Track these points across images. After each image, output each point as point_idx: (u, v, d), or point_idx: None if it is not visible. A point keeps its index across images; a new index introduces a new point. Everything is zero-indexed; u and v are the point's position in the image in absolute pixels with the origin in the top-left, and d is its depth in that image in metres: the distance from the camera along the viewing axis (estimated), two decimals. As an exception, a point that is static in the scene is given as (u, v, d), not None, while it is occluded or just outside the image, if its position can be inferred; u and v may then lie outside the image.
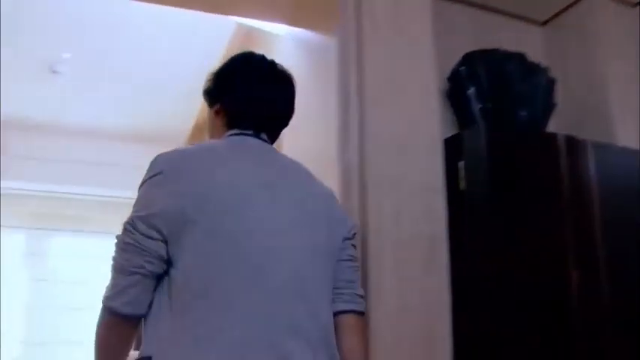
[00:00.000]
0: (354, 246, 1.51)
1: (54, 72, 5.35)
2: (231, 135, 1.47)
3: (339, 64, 1.94)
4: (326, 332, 1.35)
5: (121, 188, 6.89)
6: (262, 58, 1.53)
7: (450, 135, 2.00)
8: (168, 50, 5.12)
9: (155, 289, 1.28)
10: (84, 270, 7.51)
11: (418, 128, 1.85)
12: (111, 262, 1.30)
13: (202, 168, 1.33)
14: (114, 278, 1.28)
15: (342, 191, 1.76)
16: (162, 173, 1.33)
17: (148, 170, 1.37)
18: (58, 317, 7.23)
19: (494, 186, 1.88)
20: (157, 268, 1.27)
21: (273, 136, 1.53)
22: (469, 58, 2.23)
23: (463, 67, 2.22)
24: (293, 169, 1.49)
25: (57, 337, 7.16)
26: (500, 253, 1.82)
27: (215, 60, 5.12)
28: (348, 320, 1.43)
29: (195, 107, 6.08)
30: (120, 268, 1.27)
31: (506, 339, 1.74)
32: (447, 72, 2.29)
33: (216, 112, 1.53)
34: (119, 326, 1.29)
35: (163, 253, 1.26)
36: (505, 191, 1.90)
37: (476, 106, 2.16)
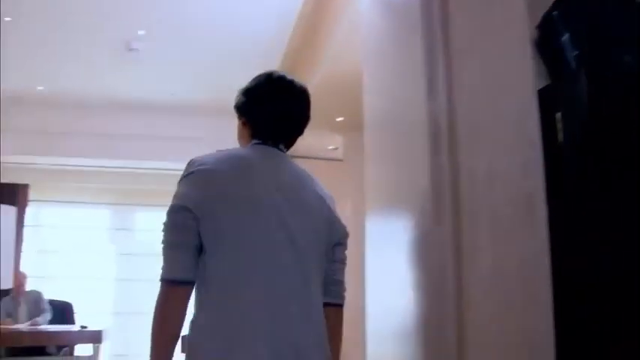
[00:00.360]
0: (344, 249, 1.80)
1: (130, 49, 5.41)
2: (254, 144, 1.76)
3: (422, 15, 1.82)
4: (319, 329, 1.62)
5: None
6: (282, 77, 1.82)
7: (541, 87, 1.84)
8: (242, 20, 5.08)
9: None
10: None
11: (510, 79, 1.71)
12: (161, 246, 1.60)
13: (227, 171, 1.63)
14: (165, 255, 1.58)
15: (431, 149, 1.64)
16: (193, 174, 1.63)
17: (185, 169, 1.66)
18: (145, 289, 7.45)
19: (596, 138, 1.72)
20: (197, 240, 1.57)
21: (289, 143, 1.84)
22: (563, 1, 2.04)
23: (556, 12, 2.03)
24: (301, 175, 1.79)
25: (144, 307, 7.39)
26: (603, 212, 1.67)
27: (289, 27, 5.07)
28: (336, 312, 1.74)
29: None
30: (169, 245, 1.59)
31: (610, 301, 1.60)
32: (536, 20, 2.11)
33: (244, 124, 1.83)
34: (176, 294, 1.56)
35: (199, 229, 1.56)
36: (607, 143, 1.74)
37: (571, 54, 1.97)
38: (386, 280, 1.92)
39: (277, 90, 1.80)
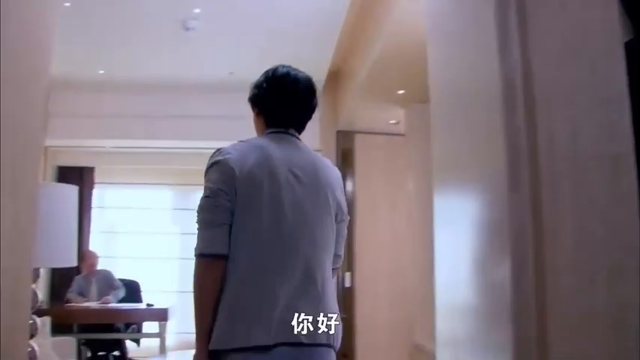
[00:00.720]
0: (346, 224, 2.10)
1: (187, 29, 5.38)
2: (268, 132, 2.05)
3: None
4: (325, 289, 1.89)
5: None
6: (288, 69, 2.08)
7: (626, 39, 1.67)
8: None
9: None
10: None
11: (593, 32, 1.55)
12: (196, 226, 1.84)
13: (250, 158, 1.88)
14: (201, 232, 1.83)
15: (505, 110, 1.51)
16: (222, 162, 1.89)
17: (212, 157, 1.92)
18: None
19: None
20: (228, 219, 1.82)
21: (300, 128, 2.10)
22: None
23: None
24: (313, 158, 2.03)
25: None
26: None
27: (347, 2, 4.94)
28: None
29: (327, 53, 5.94)
30: (204, 224, 1.83)
31: None
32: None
33: (257, 114, 2.12)
34: (211, 266, 1.80)
35: (232, 208, 1.83)
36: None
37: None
38: (458, 254, 1.81)
39: (284, 80, 2.06)
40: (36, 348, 2.46)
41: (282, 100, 2.05)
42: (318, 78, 6.59)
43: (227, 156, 1.89)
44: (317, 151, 7.04)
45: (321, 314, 1.83)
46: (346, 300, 6.61)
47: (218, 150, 1.93)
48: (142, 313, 6.46)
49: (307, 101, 2.09)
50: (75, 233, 2.57)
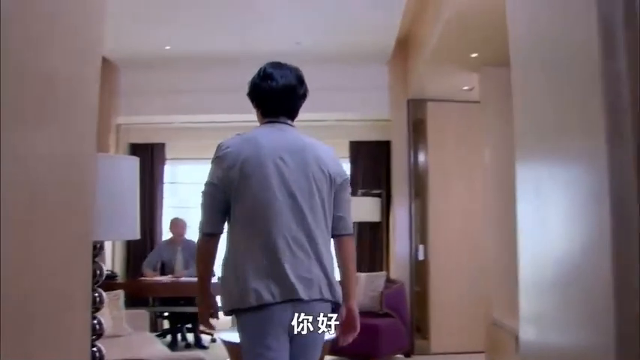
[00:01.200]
0: (345, 190, 2.44)
1: (252, -2, 5.28)
2: (264, 122, 2.43)
3: None
4: (317, 246, 2.28)
5: (328, 110, 6.84)
6: (276, 63, 2.47)
7: None
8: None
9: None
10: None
11: None
12: (200, 208, 2.36)
13: (242, 150, 2.28)
14: (202, 214, 2.36)
15: (603, 53, 1.30)
16: (219, 157, 2.31)
17: (215, 152, 2.33)
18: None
19: None
20: (222, 206, 2.31)
21: (292, 115, 2.46)
22: None
23: None
24: (301, 141, 2.38)
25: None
26: None
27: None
28: (340, 241, 2.41)
29: (395, 19, 5.71)
30: (203, 209, 2.35)
31: None
32: None
33: (255, 107, 2.49)
34: (208, 242, 2.37)
35: (226, 198, 2.29)
36: None
37: None
38: (545, 225, 1.63)
39: (271, 74, 2.42)
40: (102, 320, 2.44)
41: (270, 94, 2.41)
42: (387, 45, 6.38)
43: (226, 151, 2.30)
44: (386, 121, 6.89)
45: (314, 274, 2.25)
46: (419, 273, 6.45)
47: (219, 145, 2.34)
48: (213, 287, 6.50)
49: (294, 87, 2.42)
50: (136, 206, 2.50)
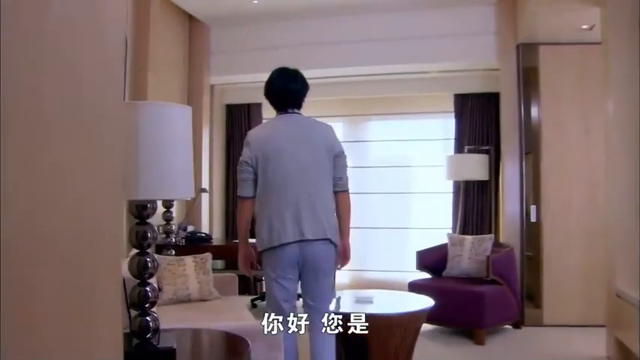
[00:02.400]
0: (341, 157, 3.36)
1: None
2: (278, 115, 3.41)
3: None
4: (323, 200, 3.28)
5: (429, 61, 6.36)
6: (283, 68, 3.44)
7: None
8: None
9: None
10: (401, 153, 7.30)
11: None
12: (237, 179, 3.36)
13: (262, 138, 3.30)
14: (238, 184, 3.33)
15: None
16: (247, 142, 3.30)
17: (245, 138, 3.35)
18: (380, 202, 7.21)
19: None
20: (252, 177, 3.27)
21: (298, 105, 3.40)
22: None
23: None
24: (308, 123, 3.39)
25: (379, 221, 7.17)
26: None
27: None
28: (339, 195, 3.35)
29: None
30: (239, 180, 3.31)
31: None
32: None
33: (270, 103, 3.44)
34: (244, 203, 3.32)
35: (255, 171, 3.26)
36: None
37: None
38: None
39: (279, 76, 3.38)
40: (156, 287, 2.26)
41: (278, 87, 3.36)
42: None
43: (250, 139, 3.31)
44: (494, 70, 6.28)
45: (319, 221, 3.20)
46: (531, 236, 5.92)
47: (248, 133, 3.38)
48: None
49: (297, 86, 3.37)
50: (190, 161, 2.18)
